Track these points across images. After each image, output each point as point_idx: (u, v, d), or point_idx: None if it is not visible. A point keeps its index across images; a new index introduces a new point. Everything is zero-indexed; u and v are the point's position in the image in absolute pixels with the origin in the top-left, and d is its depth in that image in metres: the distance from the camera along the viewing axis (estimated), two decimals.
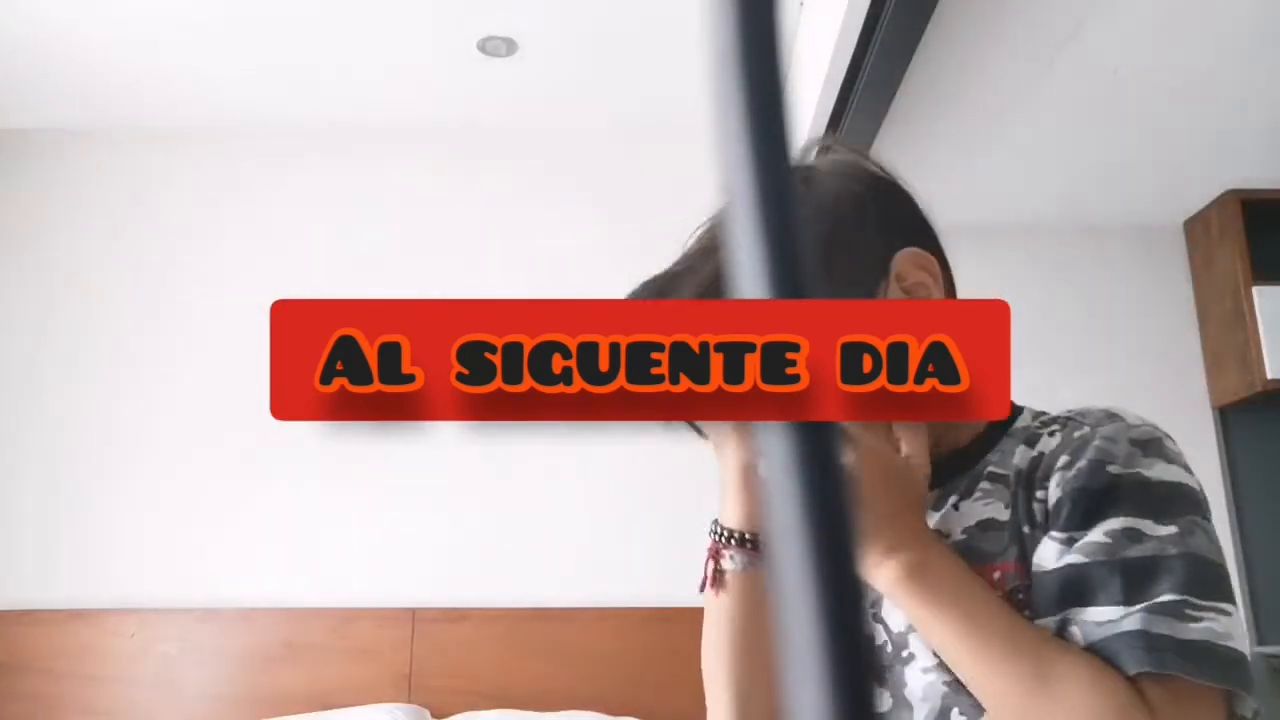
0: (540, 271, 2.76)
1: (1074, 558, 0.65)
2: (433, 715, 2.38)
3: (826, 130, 2.20)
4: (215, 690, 2.46)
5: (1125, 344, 2.91)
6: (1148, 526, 0.64)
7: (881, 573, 0.66)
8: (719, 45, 0.15)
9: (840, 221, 0.76)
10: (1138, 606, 0.61)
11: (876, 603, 0.76)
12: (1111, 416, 0.72)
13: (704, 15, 0.16)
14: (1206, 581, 0.62)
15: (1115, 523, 0.64)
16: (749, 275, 0.14)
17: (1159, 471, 0.68)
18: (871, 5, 1.73)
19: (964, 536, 0.73)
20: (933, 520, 0.77)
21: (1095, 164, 2.69)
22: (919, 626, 0.67)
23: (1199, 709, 0.59)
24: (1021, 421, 0.78)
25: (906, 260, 0.78)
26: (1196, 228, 2.98)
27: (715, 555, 0.77)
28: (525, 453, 2.61)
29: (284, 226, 2.84)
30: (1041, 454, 0.71)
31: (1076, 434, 0.70)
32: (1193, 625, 0.60)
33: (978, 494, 0.74)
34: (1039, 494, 0.69)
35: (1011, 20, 2.04)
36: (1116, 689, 0.59)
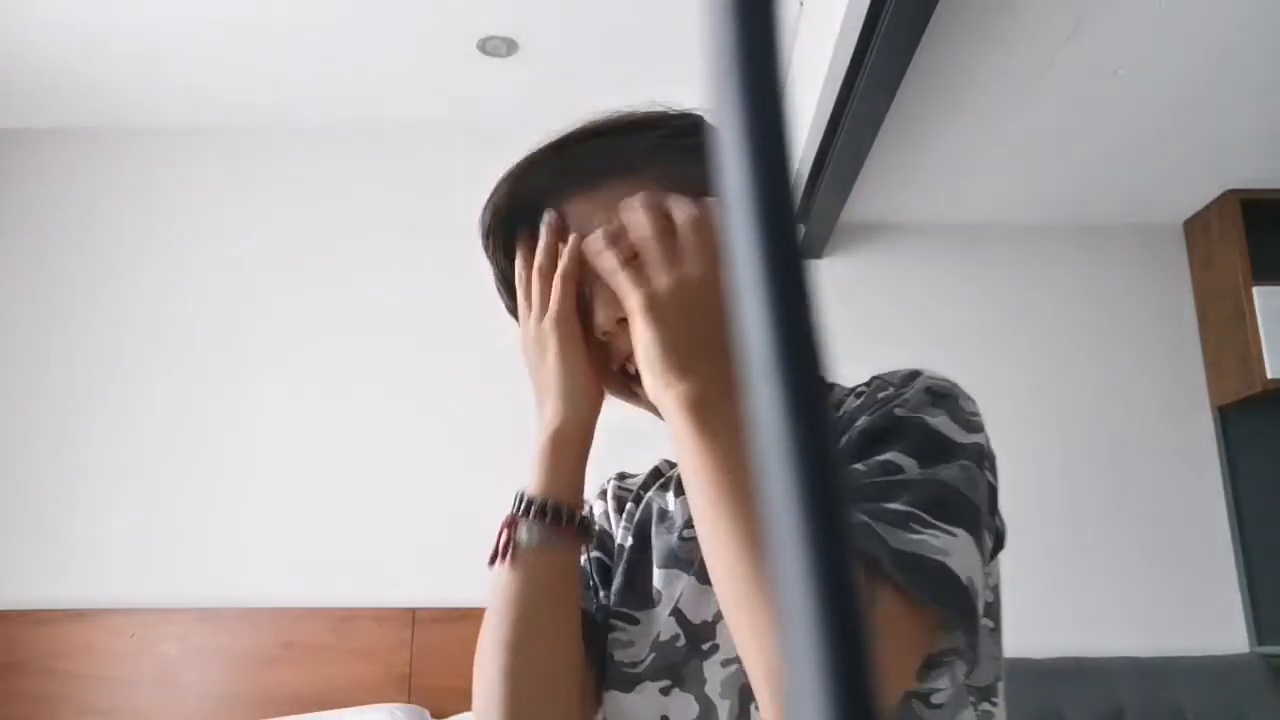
0: None
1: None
2: (433, 715, 2.38)
3: (826, 130, 2.20)
4: (215, 690, 2.46)
5: (1125, 344, 2.91)
6: (909, 465, 0.61)
7: (670, 395, 0.60)
8: (718, 45, 0.15)
9: None
10: (864, 510, 0.58)
11: (673, 596, 0.74)
12: (914, 374, 0.69)
13: (703, 15, 0.16)
14: (944, 505, 0.59)
15: (879, 456, 0.62)
16: (748, 271, 0.14)
17: (941, 422, 0.64)
18: (871, 5, 1.73)
19: None
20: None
21: (1095, 164, 2.69)
22: (683, 464, 0.61)
23: (899, 616, 0.55)
24: (836, 395, 0.75)
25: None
26: (1196, 228, 2.98)
27: (510, 525, 0.74)
28: (526, 450, 2.60)
29: (284, 226, 2.83)
30: (844, 414, 0.69)
31: (880, 394, 0.68)
32: (910, 535, 0.57)
33: None
34: (843, 448, 0.66)
35: (1011, 20, 2.04)
36: None
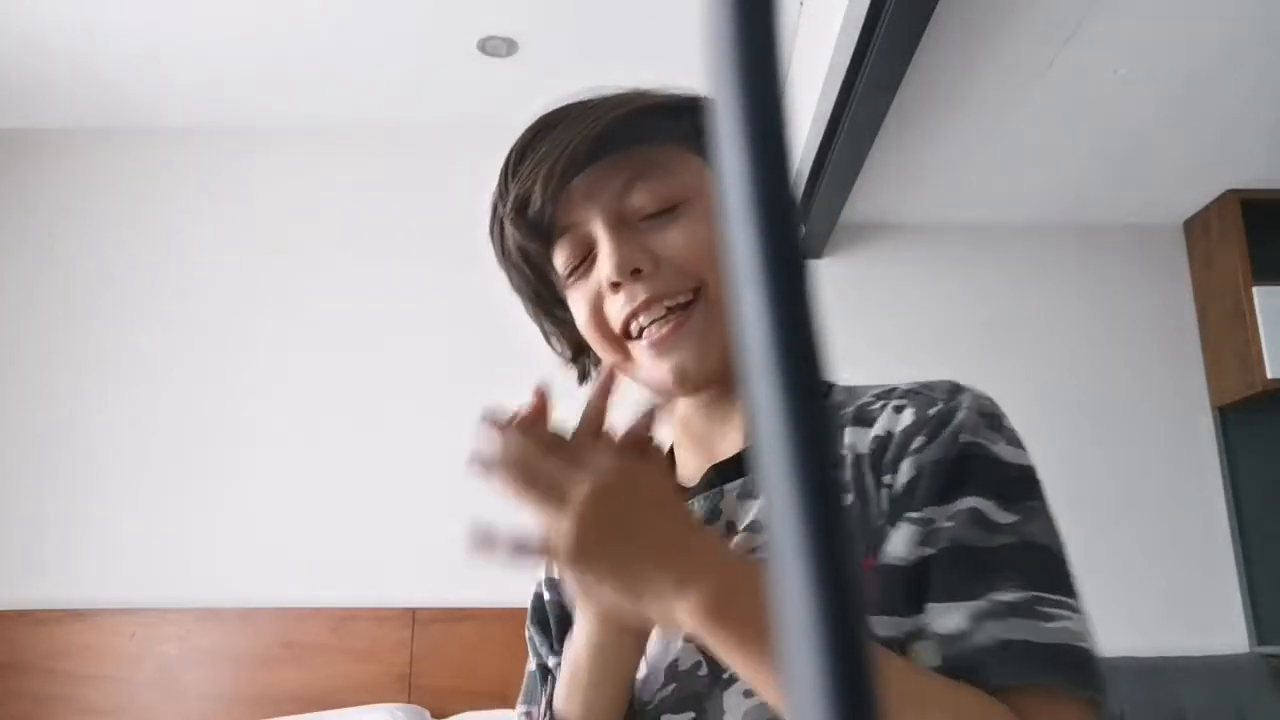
0: None
1: (925, 549, 0.59)
2: (433, 715, 2.38)
3: (826, 130, 2.20)
4: (215, 690, 2.46)
5: (1125, 344, 2.91)
6: (993, 510, 0.59)
7: (677, 613, 0.52)
8: (718, 45, 0.15)
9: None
10: (988, 609, 0.55)
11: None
12: (958, 388, 0.66)
13: (703, 15, 0.16)
14: (1055, 576, 0.58)
15: (964, 504, 0.59)
16: (748, 271, 0.14)
17: (1004, 450, 0.63)
18: (871, 5, 1.73)
19: None
20: (748, 513, 0.68)
21: (1095, 164, 2.69)
22: (741, 670, 0.53)
23: (1069, 714, 0.54)
24: (837, 397, 0.71)
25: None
26: (1196, 228, 2.98)
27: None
28: None
29: (284, 226, 2.83)
30: (890, 433, 0.64)
31: (931, 411, 0.63)
32: (1047, 625, 0.55)
33: None
34: (887, 478, 0.62)
35: (1011, 20, 2.04)
36: (982, 709, 0.52)
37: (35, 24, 2.42)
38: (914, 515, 0.60)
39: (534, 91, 2.76)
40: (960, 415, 0.63)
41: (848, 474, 0.64)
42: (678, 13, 2.33)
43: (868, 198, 2.75)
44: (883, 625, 0.59)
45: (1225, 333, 2.81)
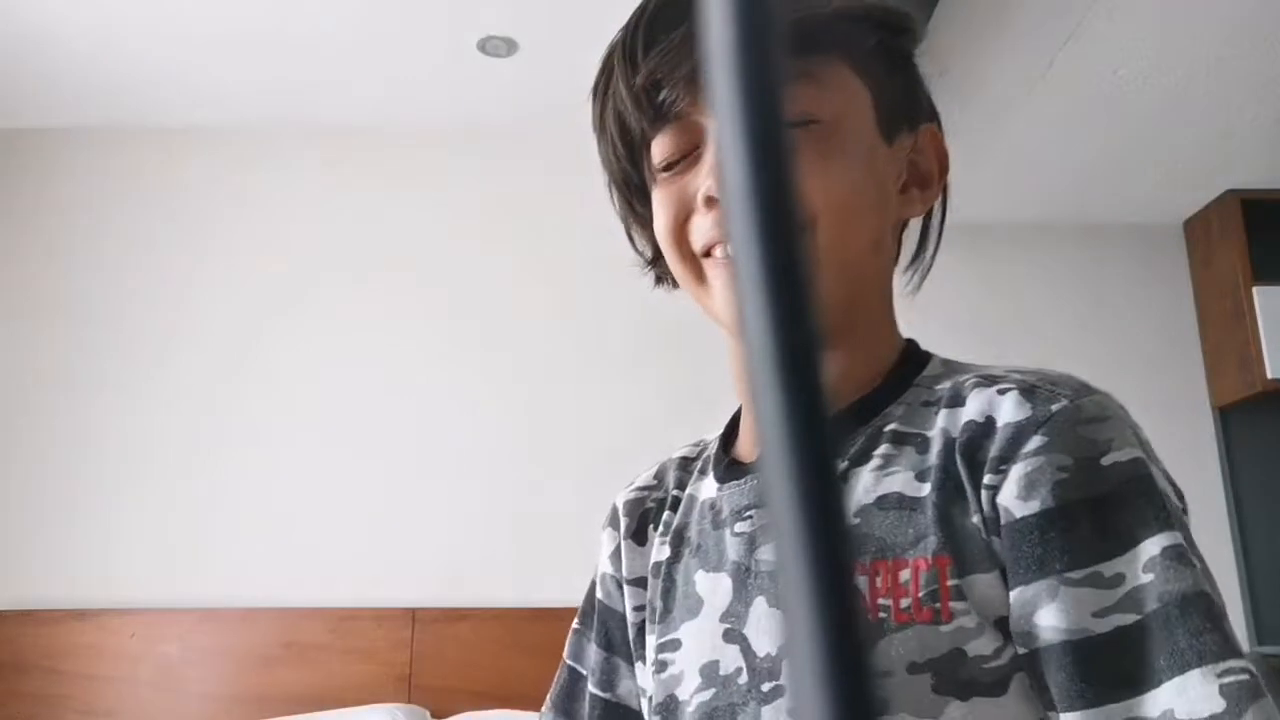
0: (541, 269, 2.77)
1: (1125, 617, 0.46)
2: (433, 715, 2.38)
3: None
4: (215, 690, 2.46)
5: (1125, 344, 2.91)
6: (1178, 545, 0.48)
7: None
8: (716, 45, 0.15)
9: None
10: (1237, 684, 0.44)
11: (735, 615, 0.59)
12: (1088, 387, 0.55)
13: (703, 14, 0.16)
14: (1227, 621, 0.48)
15: (1153, 546, 0.48)
16: (748, 271, 0.14)
17: (1160, 471, 0.52)
18: None
19: (856, 520, 0.55)
20: None
21: (1095, 164, 2.69)
22: None
23: None
24: (932, 370, 0.62)
25: (931, 137, 0.64)
26: (1196, 228, 2.98)
27: None
28: (525, 451, 2.61)
29: (283, 227, 2.83)
30: (990, 420, 0.53)
31: (1054, 407, 0.51)
32: (1272, 703, 0.45)
33: (876, 459, 0.56)
34: (989, 478, 0.51)
35: (1011, 21, 2.04)
36: None
37: (35, 24, 2.42)
38: (1076, 575, 0.48)
39: (534, 91, 2.77)
40: (1109, 425, 0.51)
41: (933, 459, 0.54)
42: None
43: None
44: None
45: (1225, 333, 2.81)
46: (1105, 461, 0.50)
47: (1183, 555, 0.47)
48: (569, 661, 0.76)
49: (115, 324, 2.74)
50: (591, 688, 0.72)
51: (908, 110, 0.63)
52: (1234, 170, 2.74)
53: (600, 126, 0.65)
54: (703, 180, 0.58)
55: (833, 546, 0.13)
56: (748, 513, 0.62)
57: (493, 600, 2.51)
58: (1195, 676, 0.44)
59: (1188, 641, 0.45)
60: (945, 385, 0.58)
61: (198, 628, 2.50)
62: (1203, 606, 0.46)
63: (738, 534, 0.61)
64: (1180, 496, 0.53)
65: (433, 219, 2.84)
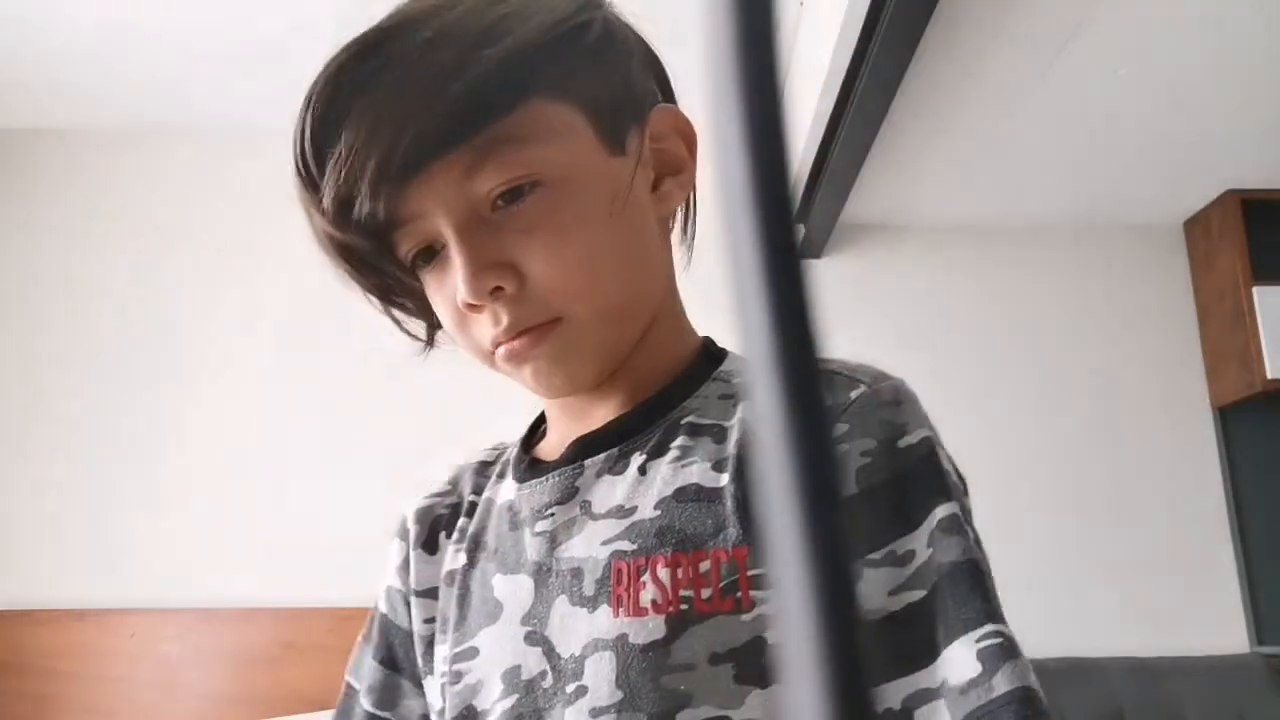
0: None
1: (913, 593, 0.48)
2: None
3: (826, 130, 2.20)
4: (215, 690, 2.46)
5: (1125, 344, 2.91)
6: (953, 514, 0.50)
7: None
8: (717, 45, 0.15)
9: (614, 42, 0.57)
10: (995, 647, 0.46)
11: (536, 617, 0.57)
12: (886, 375, 0.55)
13: (701, 15, 0.16)
14: (990, 583, 0.50)
15: (934, 519, 0.50)
16: (748, 271, 0.14)
17: (942, 448, 0.53)
18: (871, 5, 1.73)
19: (657, 513, 0.54)
20: (610, 492, 0.57)
21: (1095, 164, 2.69)
22: None
23: None
24: (730, 364, 0.61)
25: (665, 118, 0.59)
26: (1196, 228, 2.98)
27: None
28: None
29: (283, 228, 2.83)
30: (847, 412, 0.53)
31: (854, 393, 0.53)
32: (1026, 659, 0.47)
33: (673, 451, 0.56)
34: None
35: (1011, 21, 2.04)
36: None
37: (34, 23, 2.42)
38: (877, 556, 0.49)
39: None
40: (904, 409, 0.53)
41: (731, 449, 0.54)
42: (676, 13, 2.32)
43: (868, 198, 2.75)
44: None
45: (1225, 333, 2.81)
46: (901, 444, 0.51)
47: (956, 525, 0.49)
48: (347, 677, 0.74)
49: (115, 324, 2.74)
50: (367, 705, 0.70)
51: (628, 105, 0.57)
52: (1234, 170, 2.74)
53: (319, 243, 0.60)
54: (457, 290, 0.54)
55: (834, 550, 0.13)
56: (549, 510, 0.60)
57: None
58: (959, 644, 0.47)
59: (955, 611, 0.48)
60: (741, 380, 0.57)
61: (197, 627, 2.50)
62: (967, 574, 0.48)
63: (538, 533, 0.59)
64: (961, 479, 0.54)
65: None
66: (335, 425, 2.67)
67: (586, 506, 0.58)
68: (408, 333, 0.68)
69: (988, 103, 2.37)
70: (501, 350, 0.56)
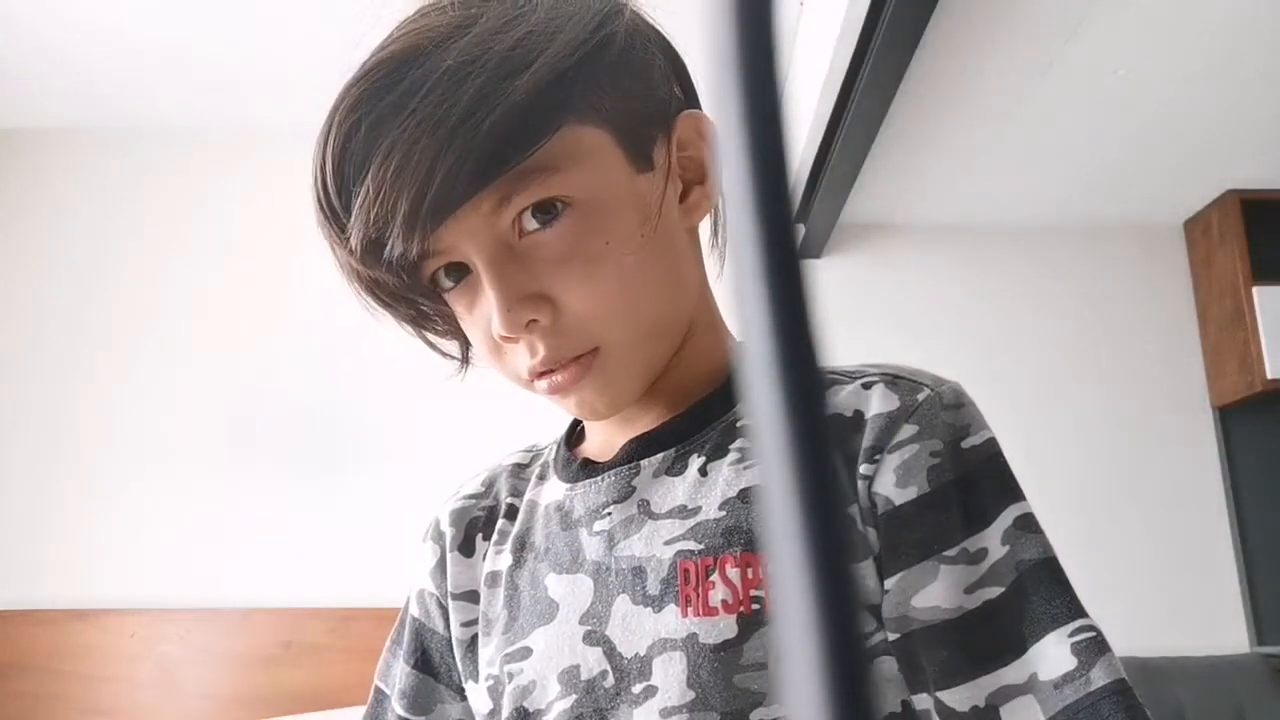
0: None
1: (990, 589, 0.49)
2: None
3: (826, 130, 2.20)
4: (215, 690, 2.46)
5: (1125, 344, 2.91)
6: (1026, 514, 0.52)
7: None
8: (717, 45, 0.15)
9: (631, 43, 0.55)
10: (1088, 640, 0.47)
11: (596, 616, 0.56)
12: (942, 378, 0.56)
13: (701, 14, 0.16)
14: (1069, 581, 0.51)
15: (1008, 517, 0.51)
16: (747, 272, 0.14)
17: (994, 437, 0.54)
18: (871, 5, 1.73)
19: (722, 513, 0.54)
20: (669, 492, 0.57)
21: (1095, 164, 2.69)
22: None
23: None
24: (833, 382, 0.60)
25: (690, 125, 0.57)
26: (1196, 228, 2.98)
27: None
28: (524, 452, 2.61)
29: (283, 228, 2.83)
30: (859, 413, 0.53)
31: (920, 396, 0.53)
32: (1111, 654, 0.48)
33: (733, 453, 0.56)
34: (865, 468, 0.51)
35: (1011, 20, 2.04)
36: None
37: (33, 24, 2.42)
38: (950, 553, 0.49)
39: None
40: (965, 411, 0.53)
41: None
42: (675, 13, 2.32)
43: (868, 198, 2.75)
44: (948, 698, 0.48)
45: (1225, 333, 2.81)
46: (965, 445, 0.52)
47: (1031, 523, 0.51)
48: (377, 682, 0.71)
49: (114, 324, 2.74)
50: (400, 710, 0.68)
51: (653, 116, 0.56)
52: (1234, 170, 2.75)
53: (344, 276, 0.58)
54: (490, 317, 0.52)
55: (833, 557, 0.13)
56: (605, 510, 0.59)
57: None
58: (1050, 639, 0.47)
59: (1043, 607, 0.48)
60: None
61: (197, 628, 2.50)
62: (1050, 571, 0.50)
63: (596, 532, 0.59)
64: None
65: None
66: (335, 426, 2.67)
67: (645, 505, 0.58)
68: (443, 353, 0.66)
69: (987, 103, 2.37)
70: (543, 383, 0.55)
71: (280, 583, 2.55)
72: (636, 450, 0.59)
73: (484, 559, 0.66)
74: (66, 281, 2.77)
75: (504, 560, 0.64)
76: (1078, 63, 2.19)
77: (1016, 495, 0.52)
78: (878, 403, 0.53)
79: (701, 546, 0.53)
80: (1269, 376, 2.64)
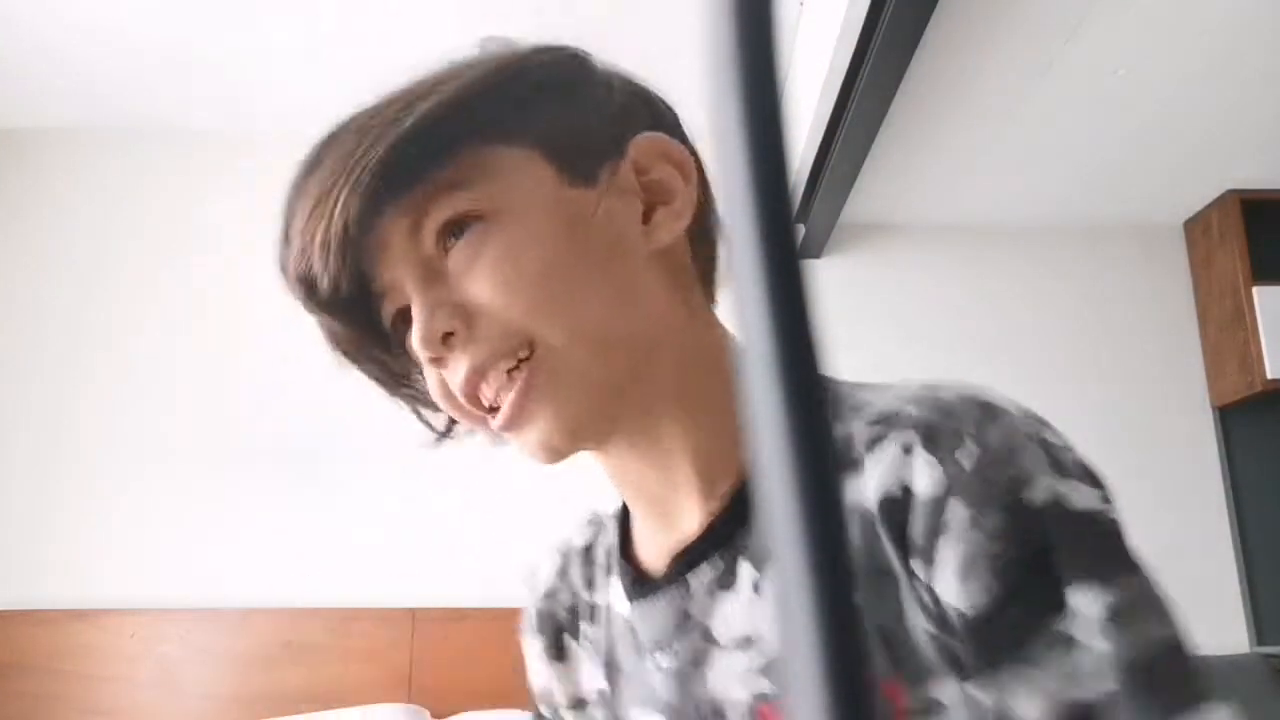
0: None
1: (1078, 690, 0.42)
2: (433, 715, 2.38)
3: (826, 130, 2.20)
4: (215, 690, 2.46)
5: (1125, 344, 2.91)
6: (1114, 600, 0.43)
7: None
8: (717, 46, 0.15)
9: (572, 79, 0.57)
10: None
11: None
12: (990, 409, 0.49)
13: (702, 15, 0.16)
14: (1187, 656, 0.45)
15: (1083, 602, 0.43)
16: (747, 272, 0.14)
17: (1082, 494, 0.48)
18: (871, 5, 1.73)
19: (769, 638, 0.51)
20: (728, 617, 0.53)
21: (1095, 164, 2.69)
22: None
23: None
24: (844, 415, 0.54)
25: (649, 147, 0.56)
26: (1196, 228, 2.98)
27: None
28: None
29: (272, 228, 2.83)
30: (907, 490, 0.46)
31: (965, 461, 0.45)
32: None
33: None
34: (923, 570, 0.45)
35: (1011, 20, 2.04)
36: None
37: (33, 24, 2.42)
38: (1037, 649, 0.43)
39: None
40: (1020, 455, 0.46)
41: (856, 547, 0.48)
42: (678, 13, 2.33)
43: (868, 198, 2.75)
44: None
45: (1225, 333, 2.81)
46: (1025, 498, 0.45)
47: (1131, 607, 0.43)
48: None
49: (114, 324, 2.74)
50: None
51: (597, 138, 0.55)
52: (1234, 170, 2.75)
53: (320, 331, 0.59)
54: (414, 342, 0.51)
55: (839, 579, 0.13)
56: (670, 645, 0.56)
57: (493, 600, 2.51)
58: None
59: (1160, 701, 0.42)
60: (837, 430, 0.51)
61: (197, 628, 2.50)
62: (1165, 659, 0.43)
63: (665, 669, 0.56)
64: (1097, 481, 0.49)
65: None
66: (335, 426, 2.67)
67: (707, 634, 0.54)
68: (426, 424, 0.65)
69: (987, 103, 2.37)
70: (495, 421, 0.52)
71: (280, 583, 2.55)
72: (684, 566, 0.55)
73: (580, 663, 0.65)
74: (66, 281, 2.77)
75: (600, 678, 0.62)
76: (1078, 63, 2.19)
77: (1103, 573, 0.44)
78: (921, 477, 0.46)
79: (777, 689, 0.50)
80: (1269, 376, 2.64)
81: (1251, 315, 2.70)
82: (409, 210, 0.51)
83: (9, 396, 2.68)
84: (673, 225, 0.55)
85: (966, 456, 0.45)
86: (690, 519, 0.56)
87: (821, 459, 0.13)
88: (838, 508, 0.13)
